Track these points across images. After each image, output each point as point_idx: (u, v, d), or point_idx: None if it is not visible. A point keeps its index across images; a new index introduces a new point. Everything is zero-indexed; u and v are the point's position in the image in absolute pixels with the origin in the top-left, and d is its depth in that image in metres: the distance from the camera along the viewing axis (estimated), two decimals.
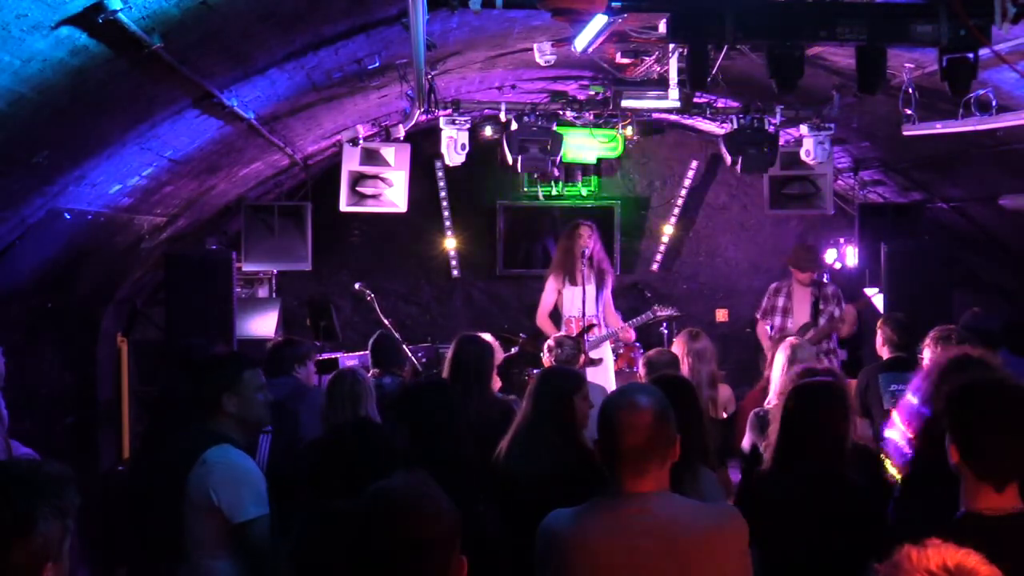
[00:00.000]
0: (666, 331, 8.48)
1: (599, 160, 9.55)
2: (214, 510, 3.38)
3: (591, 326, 7.49)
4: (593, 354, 7.62)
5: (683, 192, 9.85)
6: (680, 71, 6.12)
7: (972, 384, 2.55)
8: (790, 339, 5.29)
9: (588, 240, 7.64)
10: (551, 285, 7.83)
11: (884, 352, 5.88)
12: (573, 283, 7.68)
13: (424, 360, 8.02)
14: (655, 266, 9.94)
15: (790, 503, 3.34)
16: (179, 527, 3.48)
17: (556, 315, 7.81)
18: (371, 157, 7.65)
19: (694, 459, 3.49)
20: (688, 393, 3.75)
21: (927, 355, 5.14)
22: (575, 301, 7.53)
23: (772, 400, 5.01)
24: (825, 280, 8.35)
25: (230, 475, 3.41)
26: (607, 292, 7.87)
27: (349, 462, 3.21)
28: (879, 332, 5.95)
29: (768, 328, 8.18)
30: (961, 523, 2.40)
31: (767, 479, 3.48)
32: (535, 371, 7.47)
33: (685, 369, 5.61)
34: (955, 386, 2.55)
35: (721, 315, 9.95)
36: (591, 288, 7.52)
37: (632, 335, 7.87)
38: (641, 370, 5.51)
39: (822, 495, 3.33)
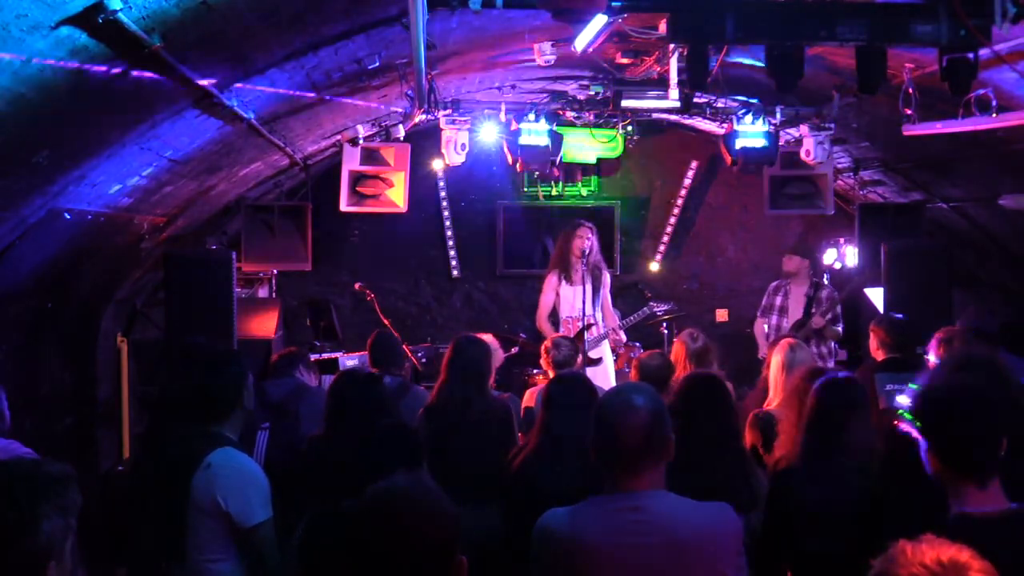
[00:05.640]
0: (666, 331, 8.48)
1: (599, 160, 9.55)
2: (221, 514, 3.36)
3: (589, 325, 7.49)
4: (593, 354, 7.62)
5: (683, 192, 9.85)
6: (680, 71, 6.12)
7: (935, 388, 2.56)
8: (787, 339, 5.29)
9: (587, 240, 7.65)
10: (549, 285, 7.84)
11: (879, 354, 5.88)
12: (570, 282, 7.69)
13: (424, 360, 8.02)
14: (655, 266, 9.94)
15: (824, 500, 3.34)
16: (179, 529, 3.48)
17: (555, 316, 7.82)
18: (371, 157, 7.65)
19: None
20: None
21: (932, 357, 5.13)
22: (574, 301, 7.55)
23: (774, 401, 5.01)
24: (824, 282, 8.36)
25: (238, 479, 3.40)
26: (605, 292, 7.87)
27: (351, 461, 3.22)
28: (873, 334, 5.94)
29: (765, 326, 8.22)
30: (952, 525, 2.41)
31: (797, 477, 3.47)
32: (535, 371, 7.49)
33: (685, 371, 5.59)
34: (920, 393, 2.56)
35: (721, 315, 9.95)
36: (588, 288, 7.53)
37: (623, 336, 7.87)
38: (632, 372, 5.49)
39: (855, 491, 3.33)
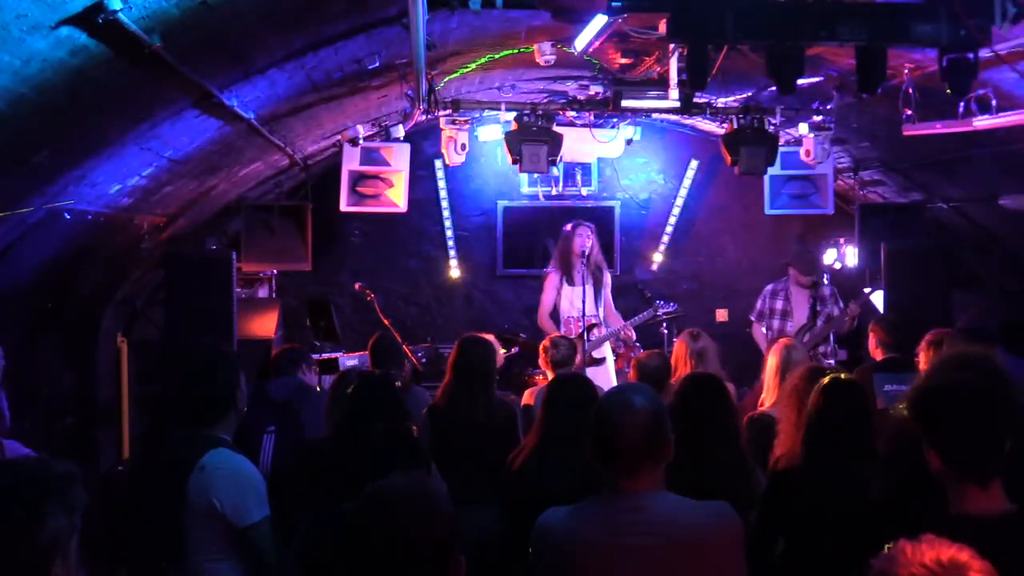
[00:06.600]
0: (666, 331, 8.48)
1: (599, 160, 9.55)
2: (217, 515, 3.36)
3: (593, 326, 7.49)
4: (595, 354, 7.62)
5: (683, 192, 9.85)
6: (680, 71, 6.12)
7: (933, 386, 2.54)
8: (783, 340, 5.30)
9: (587, 240, 7.66)
10: (550, 285, 7.84)
11: (877, 353, 5.89)
12: (571, 283, 7.70)
13: (424, 360, 8.02)
14: (655, 266, 9.94)
15: (826, 501, 3.35)
16: (176, 530, 3.47)
17: (556, 315, 7.82)
18: (371, 157, 7.65)
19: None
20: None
21: (922, 359, 5.14)
22: (574, 301, 7.55)
23: (767, 401, 5.02)
24: (824, 281, 8.36)
25: (232, 480, 3.40)
26: (606, 292, 7.88)
27: (355, 461, 3.22)
28: (871, 334, 5.96)
29: (764, 331, 8.19)
30: (952, 525, 2.40)
31: (798, 477, 3.47)
32: (535, 371, 7.49)
33: (686, 371, 5.59)
34: (917, 392, 2.53)
35: (721, 315, 9.94)
36: (589, 288, 7.53)
37: (632, 334, 7.87)
38: (631, 372, 5.49)
39: (856, 491, 3.33)
